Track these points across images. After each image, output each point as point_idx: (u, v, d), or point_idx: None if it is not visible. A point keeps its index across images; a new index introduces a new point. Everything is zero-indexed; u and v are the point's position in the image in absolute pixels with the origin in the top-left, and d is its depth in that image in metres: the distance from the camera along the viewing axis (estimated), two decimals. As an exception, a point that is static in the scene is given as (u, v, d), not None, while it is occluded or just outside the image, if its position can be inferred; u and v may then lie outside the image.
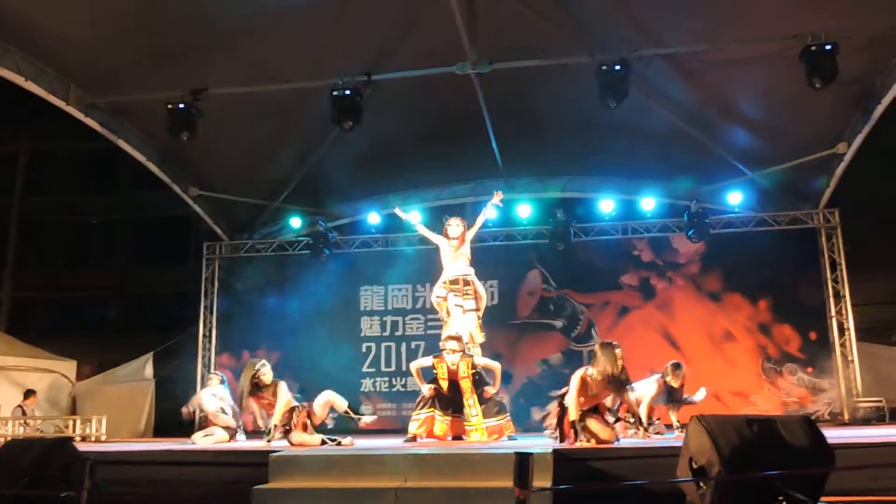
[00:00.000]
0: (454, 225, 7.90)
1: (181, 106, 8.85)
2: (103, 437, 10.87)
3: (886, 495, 4.70)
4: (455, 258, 7.83)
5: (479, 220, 7.99)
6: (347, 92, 8.67)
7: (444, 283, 7.79)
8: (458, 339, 7.43)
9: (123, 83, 9.34)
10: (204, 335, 12.83)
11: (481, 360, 7.49)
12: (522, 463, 3.06)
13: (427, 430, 7.31)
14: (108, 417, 11.31)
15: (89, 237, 21.94)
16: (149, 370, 13.05)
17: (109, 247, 21.96)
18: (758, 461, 4.02)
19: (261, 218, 12.96)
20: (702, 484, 4.18)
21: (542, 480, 4.51)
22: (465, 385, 7.26)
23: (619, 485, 4.55)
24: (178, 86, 8.91)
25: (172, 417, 12.40)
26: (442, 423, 7.32)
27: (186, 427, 11.96)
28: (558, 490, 4.30)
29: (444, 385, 7.31)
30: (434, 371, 7.45)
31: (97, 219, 21.74)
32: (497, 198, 8.18)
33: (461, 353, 7.31)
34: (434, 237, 8.08)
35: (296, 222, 12.78)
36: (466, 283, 7.74)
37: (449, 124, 10.53)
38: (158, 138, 10.39)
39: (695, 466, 4.23)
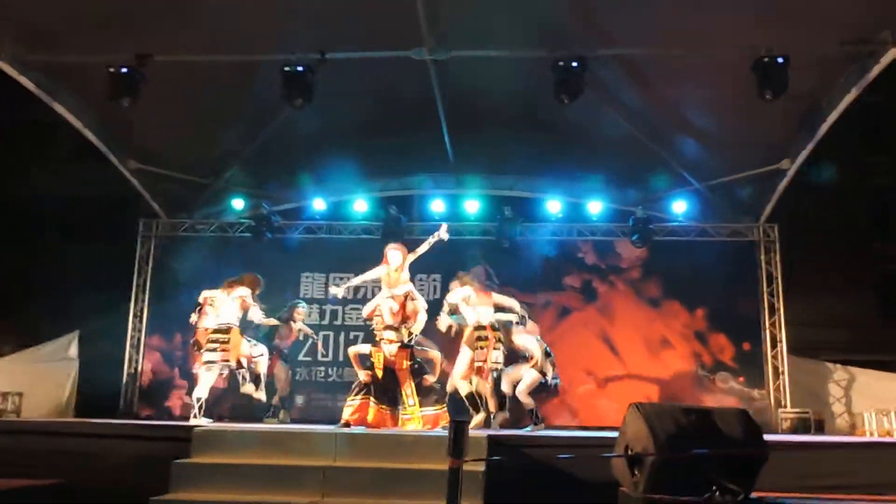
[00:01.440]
0: (393, 250, 8.03)
1: (124, 70, 8.48)
2: (20, 414, 10.38)
3: (813, 492, 4.75)
4: (393, 283, 7.87)
5: (421, 250, 8.09)
6: (300, 68, 8.43)
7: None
8: (395, 329, 7.33)
9: (63, 43, 8.84)
10: (135, 315, 12.37)
11: (421, 350, 7.40)
12: (459, 431, 2.95)
13: (361, 416, 7.07)
14: (28, 395, 10.79)
15: (16, 212, 21.01)
16: (73, 350, 12.50)
17: (38, 223, 21.06)
18: (693, 449, 4.00)
19: (202, 197, 12.55)
20: (636, 471, 4.15)
21: (477, 461, 4.40)
22: (403, 376, 7.15)
23: (554, 458, 4.47)
24: (122, 50, 8.53)
25: (96, 400, 11.95)
26: (376, 410, 7.14)
27: (111, 411, 11.55)
28: (492, 467, 4.21)
29: (380, 374, 7.18)
30: (370, 359, 7.32)
31: (28, 192, 20.83)
32: (443, 231, 8.32)
33: (399, 345, 7.21)
34: (373, 273, 8.14)
35: (238, 204, 12.42)
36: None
37: (401, 113, 10.38)
38: (98, 106, 9.96)
39: (630, 453, 4.19)
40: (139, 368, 12.19)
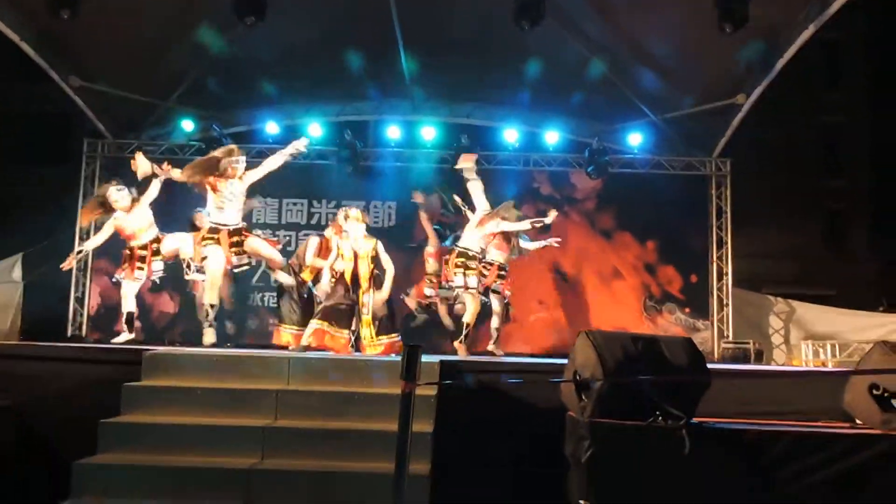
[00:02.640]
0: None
1: (64, -21, 8.05)
2: (-38, 337, 10.16)
3: (750, 418, 4.95)
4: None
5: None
6: (252, -16, 8.13)
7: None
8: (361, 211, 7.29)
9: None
10: (80, 238, 12.06)
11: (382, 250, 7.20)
12: (411, 356, 2.97)
13: (318, 342, 6.85)
14: (-31, 318, 10.55)
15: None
16: (17, 272, 12.20)
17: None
18: (639, 376, 4.12)
19: (150, 118, 12.14)
20: (583, 396, 4.25)
21: (429, 387, 4.47)
22: (364, 276, 6.96)
23: (503, 382, 4.57)
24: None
25: (42, 324, 11.74)
26: (336, 336, 6.90)
27: (58, 335, 11.37)
28: (443, 393, 4.28)
29: (345, 269, 6.95)
30: (335, 252, 7.00)
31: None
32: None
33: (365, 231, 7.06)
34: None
35: (188, 125, 12.05)
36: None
37: (358, 34, 10.13)
38: (38, 20, 9.43)
39: (579, 379, 4.29)
40: (87, 292, 11.97)
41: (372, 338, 6.98)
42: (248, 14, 8.22)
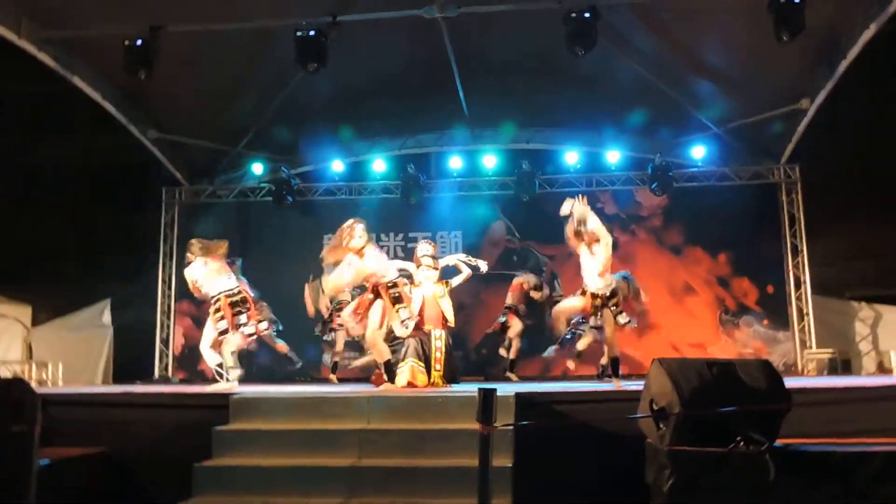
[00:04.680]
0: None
1: (138, 42, 8.52)
2: (60, 383, 10.71)
3: (838, 437, 4.83)
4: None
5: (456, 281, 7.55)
6: (312, 33, 8.43)
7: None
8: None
9: (79, 17, 8.92)
10: (163, 281, 12.63)
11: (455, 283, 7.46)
12: (487, 399, 3.06)
13: (410, 381, 6.90)
14: (65, 364, 11.12)
15: (41, 182, 21.25)
16: (107, 317, 12.84)
17: (65, 192, 21.31)
18: (716, 402, 4.08)
19: (222, 163, 12.68)
20: (661, 424, 4.24)
21: (505, 421, 4.52)
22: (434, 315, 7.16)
23: (580, 422, 4.60)
24: (137, 21, 8.56)
25: (131, 366, 12.29)
26: (421, 373, 6.96)
27: (145, 376, 11.88)
28: (520, 427, 4.34)
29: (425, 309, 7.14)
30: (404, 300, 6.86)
31: (51, 163, 21.02)
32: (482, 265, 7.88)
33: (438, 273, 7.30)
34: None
35: (258, 168, 12.54)
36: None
37: (415, 71, 10.35)
38: (116, 78, 9.99)
39: (655, 408, 4.28)
40: (171, 333, 12.48)
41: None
42: (311, 61, 8.52)
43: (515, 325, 9.83)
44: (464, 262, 7.70)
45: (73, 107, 19.29)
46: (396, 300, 6.63)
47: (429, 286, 7.30)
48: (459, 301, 9.68)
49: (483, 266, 7.83)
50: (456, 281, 7.53)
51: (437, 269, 7.40)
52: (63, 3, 8.72)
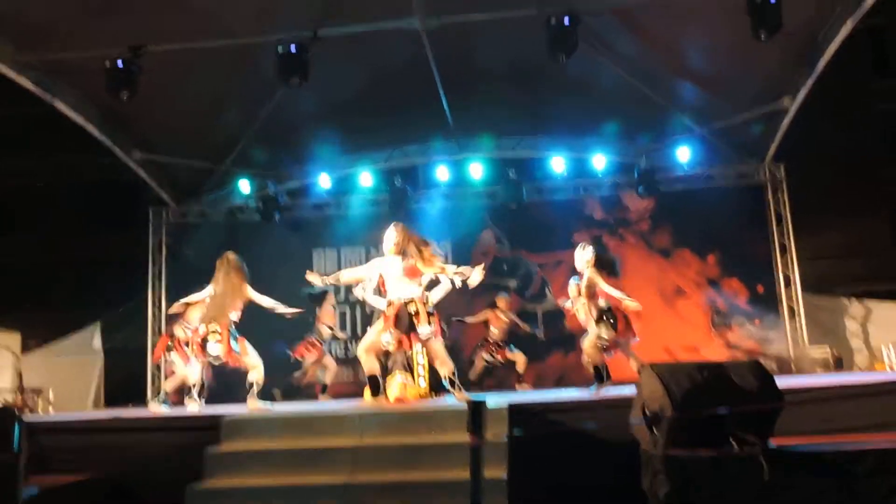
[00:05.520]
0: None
1: (119, 64, 8.49)
2: (51, 409, 10.61)
3: (832, 435, 4.83)
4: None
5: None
6: (293, 48, 8.40)
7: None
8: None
9: (59, 39, 8.81)
10: (153, 303, 12.54)
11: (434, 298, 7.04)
12: (476, 411, 3.04)
13: (399, 396, 6.90)
14: (57, 390, 11.01)
15: (26, 204, 21.15)
16: (97, 341, 12.74)
17: (48, 214, 21.21)
18: (709, 405, 4.08)
19: (208, 182, 12.61)
20: (654, 430, 4.23)
21: (500, 431, 4.51)
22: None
23: (574, 431, 4.57)
24: (117, 41, 8.51)
25: (123, 389, 12.19)
26: (411, 386, 7.07)
27: (138, 399, 11.78)
28: (514, 438, 4.31)
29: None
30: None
31: (36, 185, 20.93)
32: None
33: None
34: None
35: (244, 185, 12.45)
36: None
37: (399, 83, 10.33)
38: (98, 99, 9.93)
39: (648, 413, 4.28)
40: (163, 357, 12.35)
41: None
42: (293, 76, 8.50)
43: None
44: (454, 275, 7.47)
45: (57, 128, 19.26)
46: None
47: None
48: (449, 313, 9.67)
49: (478, 275, 6.79)
50: (435, 295, 7.20)
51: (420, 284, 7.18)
52: (42, 25, 8.64)
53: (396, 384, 6.83)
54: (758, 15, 7.91)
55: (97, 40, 8.56)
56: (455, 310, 10.90)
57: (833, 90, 11.59)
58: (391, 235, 6.66)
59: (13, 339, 12.72)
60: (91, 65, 8.79)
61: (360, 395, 7.99)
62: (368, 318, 11.20)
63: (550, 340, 11.24)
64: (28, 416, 6.17)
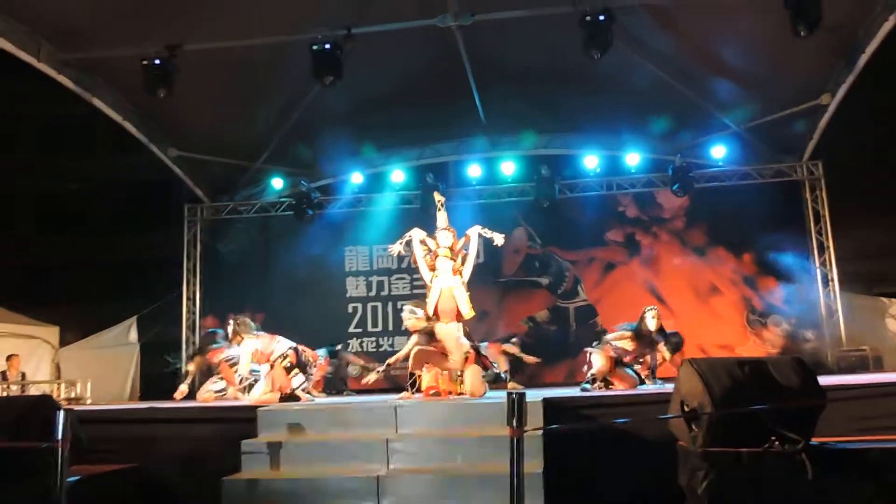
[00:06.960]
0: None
1: (157, 62, 8.62)
2: (88, 401, 10.79)
3: (873, 434, 4.74)
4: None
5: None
6: (327, 46, 8.47)
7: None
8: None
9: (97, 39, 9.04)
10: (188, 298, 12.71)
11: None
12: (518, 402, 3.03)
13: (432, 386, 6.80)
14: (93, 382, 11.20)
15: (65, 202, 21.55)
16: (133, 335, 12.93)
17: (87, 212, 21.60)
18: (749, 402, 4.01)
19: (242, 179, 12.77)
20: (693, 426, 4.18)
21: (534, 426, 4.49)
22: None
23: (611, 423, 4.54)
24: (154, 41, 8.66)
25: (158, 382, 12.37)
26: (443, 379, 7.04)
27: (173, 392, 11.93)
28: (550, 432, 4.29)
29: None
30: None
31: (74, 183, 21.32)
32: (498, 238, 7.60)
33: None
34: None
35: (278, 183, 12.59)
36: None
37: (432, 80, 10.35)
38: (135, 97, 10.14)
39: (686, 409, 4.22)
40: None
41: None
42: (327, 74, 8.56)
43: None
44: (481, 233, 7.53)
45: (94, 127, 19.71)
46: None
47: (445, 277, 7.14)
48: (482, 309, 9.65)
49: (499, 240, 7.52)
50: (467, 271, 7.30)
51: (454, 259, 7.23)
52: (81, 24, 8.81)
53: (430, 375, 6.81)
54: (797, 10, 7.79)
55: (135, 40, 8.72)
56: (487, 306, 10.91)
57: (873, 87, 11.31)
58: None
59: (52, 333, 12.97)
60: (129, 64, 8.97)
61: (393, 390, 8.07)
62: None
63: (580, 339, 11.16)
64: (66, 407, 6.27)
